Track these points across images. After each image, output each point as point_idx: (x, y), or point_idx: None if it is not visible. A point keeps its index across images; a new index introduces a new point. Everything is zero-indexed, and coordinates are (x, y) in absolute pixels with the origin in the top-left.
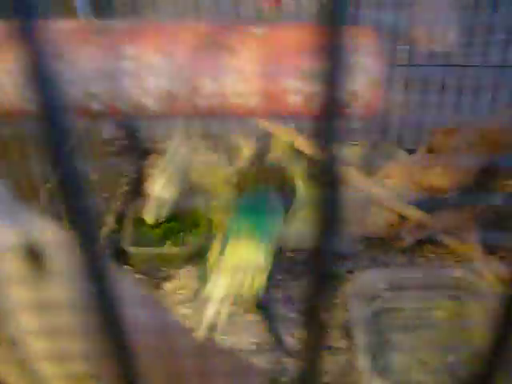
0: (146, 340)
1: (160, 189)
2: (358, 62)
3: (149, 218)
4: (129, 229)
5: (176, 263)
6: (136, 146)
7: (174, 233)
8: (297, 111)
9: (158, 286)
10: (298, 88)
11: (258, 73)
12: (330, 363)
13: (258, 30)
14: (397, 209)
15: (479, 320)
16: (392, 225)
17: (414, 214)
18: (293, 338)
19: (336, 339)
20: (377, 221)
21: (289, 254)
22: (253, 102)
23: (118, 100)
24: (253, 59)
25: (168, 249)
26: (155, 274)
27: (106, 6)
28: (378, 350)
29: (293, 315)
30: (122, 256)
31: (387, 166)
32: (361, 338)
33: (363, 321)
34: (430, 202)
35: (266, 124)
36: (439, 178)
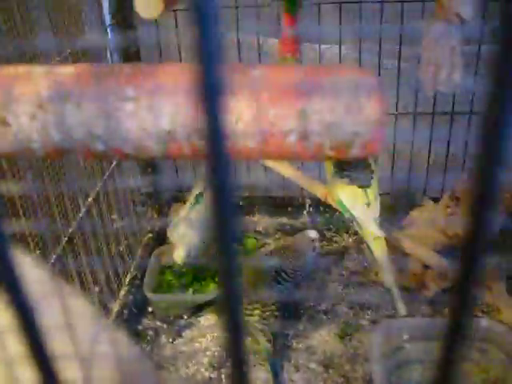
0: None
1: (180, 235)
2: (357, 102)
3: (178, 257)
4: (151, 276)
5: (197, 311)
6: (161, 195)
7: (196, 281)
8: (293, 151)
9: (178, 334)
10: (293, 129)
11: (255, 114)
12: None
13: (256, 72)
14: (422, 257)
15: (506, 373)
16: (416, 274)
17: (440, 263)
18: None
19: None
20: (402, 269)
21: (310, 303)
22: (250, 143)
23: (120, 141)
24: (250, 101)
25: (190, 296)
26: (176, 322)
27: (134, 57)
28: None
29: (313, 366)
30: (143, 303)
31: (412, 214)
32: None
33: (385, 373)
34: (456, 251)
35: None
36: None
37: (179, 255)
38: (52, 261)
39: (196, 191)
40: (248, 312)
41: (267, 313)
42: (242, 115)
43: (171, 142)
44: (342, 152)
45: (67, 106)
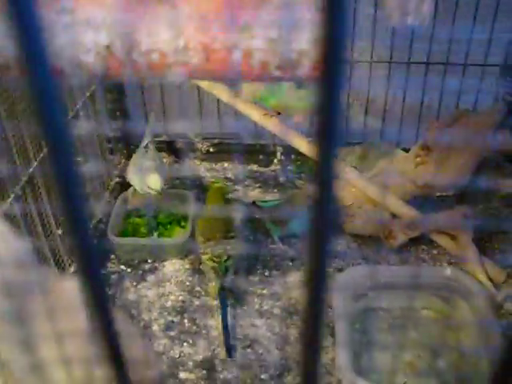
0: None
1: (135, 179)
2: (306, 17)
3: (156, 184)
4: (116, 220)
5: (162, 255)
6: (130, 139)
7: (161, 225)
8: (238, 69)
9: (142, 278)
10: (238, 43)
11: (197, 28)
12: None
13: None
14: (390, 207)
15: (468, 321)
16: (384, 223)
17: (407, 212)
18: (275, 335)
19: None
20: (369, 219)
21: (278, 249)
22: (193, 59)
23: (58, 57)
24: (192, 13)
25: (155, 240)
26: (140, 266)
27: None
28: (362, 350)
29: (277, 311)
30: (107, 247)
31: (382, 163)
32: (343, 336)
33: (347, 318)
34: (424, 201)
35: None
36: (434, 175)
37: (157, 181)
38: (10, 200)
39: (147, 139)
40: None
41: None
42: (184, 29)
43: (110, 57)
44: (288, 72)
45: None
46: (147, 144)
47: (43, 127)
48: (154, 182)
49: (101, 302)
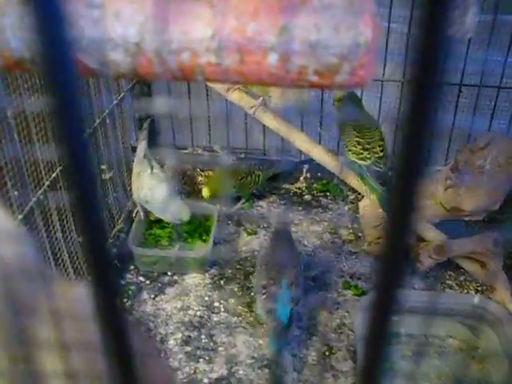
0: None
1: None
2: (347, 21)
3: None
4: (138, 230)
5: (182, 268)
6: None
7: (183, 238)
8: (274, 73)
9: (160, 291)
10: (275, 46)
11: (233, 28)
12: None
13: None
14: (417, 229)
15: (495, 352)
16: (410, 246)
17: (435, 236)
18: (292, 357)
19: (341, 361)
20: None
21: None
22: (226, 60)
23: (86, 53)
24: (229, 13)
25: (176, 252)
26: (159, 279)
27: None
28: (385, 377)
29: (297, 333)
30: (127, 258)
31: None
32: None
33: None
34: (453, 225)
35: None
36: (464, 199)
37: (187, 212)
38: (31, 204)
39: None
40: None
41: None
42: (218, 29)
43: (139, 55)
44: (326, 78)
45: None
46: (149, 159)
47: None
48: (185, 213)
49: (114, 312)
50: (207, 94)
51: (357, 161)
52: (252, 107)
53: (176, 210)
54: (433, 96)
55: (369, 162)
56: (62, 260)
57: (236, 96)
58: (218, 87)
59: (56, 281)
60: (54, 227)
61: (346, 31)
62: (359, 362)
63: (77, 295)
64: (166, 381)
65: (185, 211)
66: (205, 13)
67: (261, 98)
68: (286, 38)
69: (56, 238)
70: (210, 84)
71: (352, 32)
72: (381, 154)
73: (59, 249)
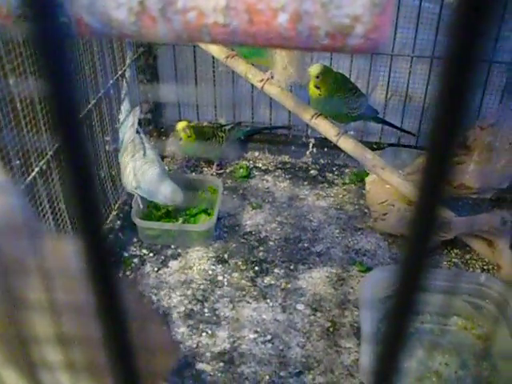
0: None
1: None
2: None
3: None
4: (141, 203)
5: (186, 242)
6: (161, 120)
7: (187, 211)
8: (284, 34)
9: (164, 264)
10: (285, 5)
11: None
12: (337, 362)
13: None
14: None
15: (500, 332)
16: None
17: (442, 213)
18: (297, 331)
19: (345, 338)
20: (402, 217)
21: (304, 244)
22: (234, 21)
23: (87, 12)
24: None
25: (180, 225)
26: (163, 251)
27: None
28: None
29: (301, 307)
30: (131, 230)
31: (416, 161)
32: (368, 338)
33: (374, 322)
34: (460, 202)
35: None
36: (472, 175)
37: (179, 193)
38: (34, 174)
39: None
40: None
41: None
42: None
43: (143, 14)
44: (338, 40)
45: None
46: (142, 143)
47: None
48: (178, 195)
49: (104, 269)
50: (213, 71)
51: None
52: (261, 81)
53: (168, 192)
54: (471, 74)
55: None
56: (64, 225)
57: (242, 68)
58: (217, 54)
59: (47, 236)
60: (57, 198)
61: None
62: (374, 360)
63: (68, 251)
64: (165, 345)
65: (177, 193)
66: None
67: (269, 72)
68: None
69: (59, 209)
70: (205, 48)
71: None
72: None
73: (62, 219)
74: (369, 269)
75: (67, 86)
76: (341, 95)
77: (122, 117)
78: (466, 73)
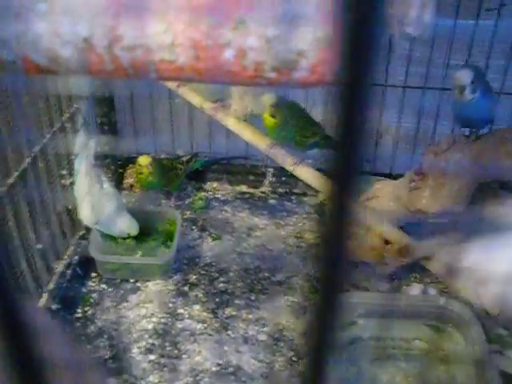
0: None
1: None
2: (304, 16)
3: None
4: (99, 236)
5: (146, 275)
6: (117, 157)
7: (146, 244)
8: (230, 69)
9: (123, 298)
10: (231, 41)
11: (187, 22)
12: None
13: None
14: (381, 232)
15: (461, 353)
16: (375, 249)
17: (400, 238)
18: (259, 362)
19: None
20: (360, 244)
21: (265, 274)
22: (180, 57)
23: (32, 49)
24: (182, 6)
25: (139, 259)
26: (122, 286)
27: None
28: (351, 382)
29: (263, 338)
30: (89, 264)
31: (375, 187)
32: (331, 367)
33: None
34: (418, 227)
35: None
36: (428, 200)
37: (134, 226)
38: None
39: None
40: None
41: None
42: (172, 23)
43: (89, 51)
44: (284, 74)
45: None
46: (98, 175)
47: None
48: (134, 228)
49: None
50: (169, 102)
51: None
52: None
53: (124, 225)
54: (363, 98)
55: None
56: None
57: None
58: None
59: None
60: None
61: (305, 26)
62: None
63: None
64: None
65: (133, 225)
66: (156, 6)
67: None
68: (242, 32)
69: None
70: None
71: (311, 27)
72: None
73: None
74: None
75: None
76: (294, 123)
77: (77, 149)
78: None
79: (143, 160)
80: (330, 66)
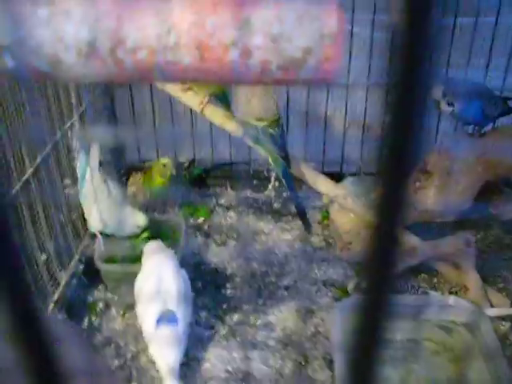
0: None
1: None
2: (310, 12)
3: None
4: (104, 246)
5: None
6: (121, 164)
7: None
8: (236, 69)
9: (129, 307)
10: (236, 40)
11: (191, 23)
12: None
13: None
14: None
15: (471, 353)
16: None
17: (407, 239)
18: (268, 368)
19: (318, 371)
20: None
21: (271, 279)
22: (185, 58)
23: (35, 55)
24: (186, 6)
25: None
26: (127, 294)
27: None
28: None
29: (272, 343)
30: (95, 273)
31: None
32: (342, 369)
33: (346, 351)
34: (424, 227)
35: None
36: (433, 200)
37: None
38: None
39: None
40: None
41: None
42: (176, 24)
43: (93, 55)
44: (291, 73)
45: None
46: (104, 182)
47: None
48: (141, 219)
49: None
50: (171, 110)
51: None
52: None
53: (132, 220)
54: (419, 100)
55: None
56: None
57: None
58: (172, 89)
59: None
60: None
61: (310, 23)
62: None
63: None
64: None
65: (140, 217)
66: (160, 7)
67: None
68: (247, 31)
69: None
70: (160, 86)
71: (316, 23)
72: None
73: None
74: (337, 299)
75: None
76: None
77: (79, 158)
78: (411, 98)
79: (166, 161)
80: (336, 63)
